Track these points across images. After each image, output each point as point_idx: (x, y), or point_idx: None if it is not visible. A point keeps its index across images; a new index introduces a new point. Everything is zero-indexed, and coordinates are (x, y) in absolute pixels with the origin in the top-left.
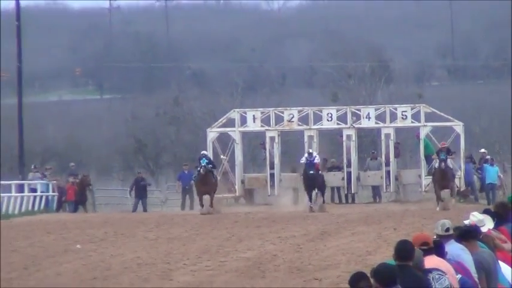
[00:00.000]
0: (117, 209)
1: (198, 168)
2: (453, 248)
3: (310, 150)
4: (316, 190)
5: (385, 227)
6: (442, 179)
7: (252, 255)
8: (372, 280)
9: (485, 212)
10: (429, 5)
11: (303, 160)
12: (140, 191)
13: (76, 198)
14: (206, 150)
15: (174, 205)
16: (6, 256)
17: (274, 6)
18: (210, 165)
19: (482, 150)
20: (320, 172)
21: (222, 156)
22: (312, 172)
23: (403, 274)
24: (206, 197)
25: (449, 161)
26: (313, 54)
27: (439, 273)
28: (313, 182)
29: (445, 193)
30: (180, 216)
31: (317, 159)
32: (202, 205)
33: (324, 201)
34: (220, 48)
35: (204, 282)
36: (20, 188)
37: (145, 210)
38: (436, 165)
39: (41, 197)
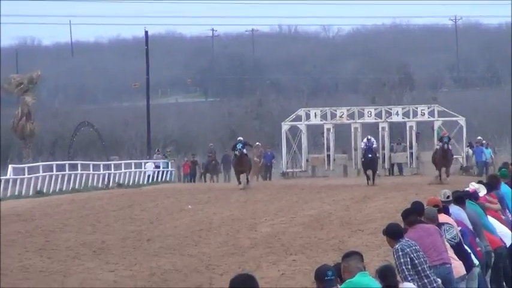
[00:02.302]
0: (217, 180)
1: (235, 152)
2: (453, 209)
3: (369, 137)
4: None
5: (409, 193)
6: (442, 158)
7: (314, 213)
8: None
9: (479, 182)
10: (441, 33)
11: (363, 145)
12: (226, 165)
13: (210, 171)
14: (282, 139)
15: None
16: (138, 214)
17: (330, 33)
18: (244, 148)
19: (479, 137)
20: (377, 155)
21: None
22: (370, 156)
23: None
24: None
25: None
26: (358, 68)
27: (449, 225)
28: (370, 164)
29: (443, 169)
30: (262, 185)
31: (375, 144)
32: (240, 182)
33: (376, 177)
34: (291, 64)
35: (280, 232)
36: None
37: (228, 180)
38: (438, 147)
39: (163, 171)
